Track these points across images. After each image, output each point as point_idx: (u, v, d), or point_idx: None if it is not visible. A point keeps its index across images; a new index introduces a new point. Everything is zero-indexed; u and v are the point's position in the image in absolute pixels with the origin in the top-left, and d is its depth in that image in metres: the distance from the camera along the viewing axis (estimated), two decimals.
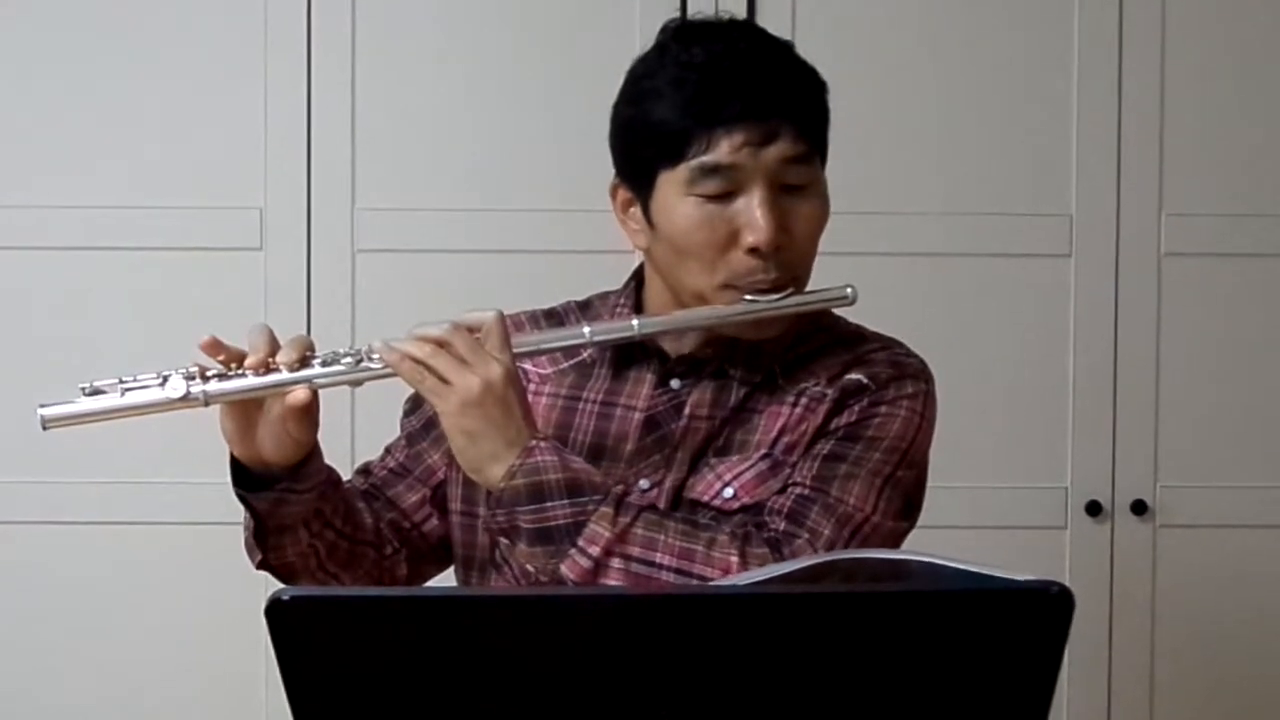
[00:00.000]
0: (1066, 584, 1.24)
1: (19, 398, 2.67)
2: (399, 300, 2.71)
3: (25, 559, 2.76)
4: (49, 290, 2.75)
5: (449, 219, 2.75)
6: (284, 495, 1.65)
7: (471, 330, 1.60)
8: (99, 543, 2.74)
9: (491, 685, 1.23)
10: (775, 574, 1.42)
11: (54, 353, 2.72)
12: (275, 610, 1.20)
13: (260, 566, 1.72)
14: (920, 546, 1.49)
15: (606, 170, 1.75)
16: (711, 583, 1.54)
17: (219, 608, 2.71)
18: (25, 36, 2.75)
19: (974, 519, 2.71)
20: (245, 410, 1.62)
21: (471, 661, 1.22)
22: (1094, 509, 2.76)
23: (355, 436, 2.57)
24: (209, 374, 1.60)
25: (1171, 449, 2.77)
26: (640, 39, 1.74)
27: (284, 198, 2.75)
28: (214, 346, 1.61)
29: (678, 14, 1.78)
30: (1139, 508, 2.76)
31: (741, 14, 2.66)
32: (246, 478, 1.65)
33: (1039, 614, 1.23)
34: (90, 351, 2.72)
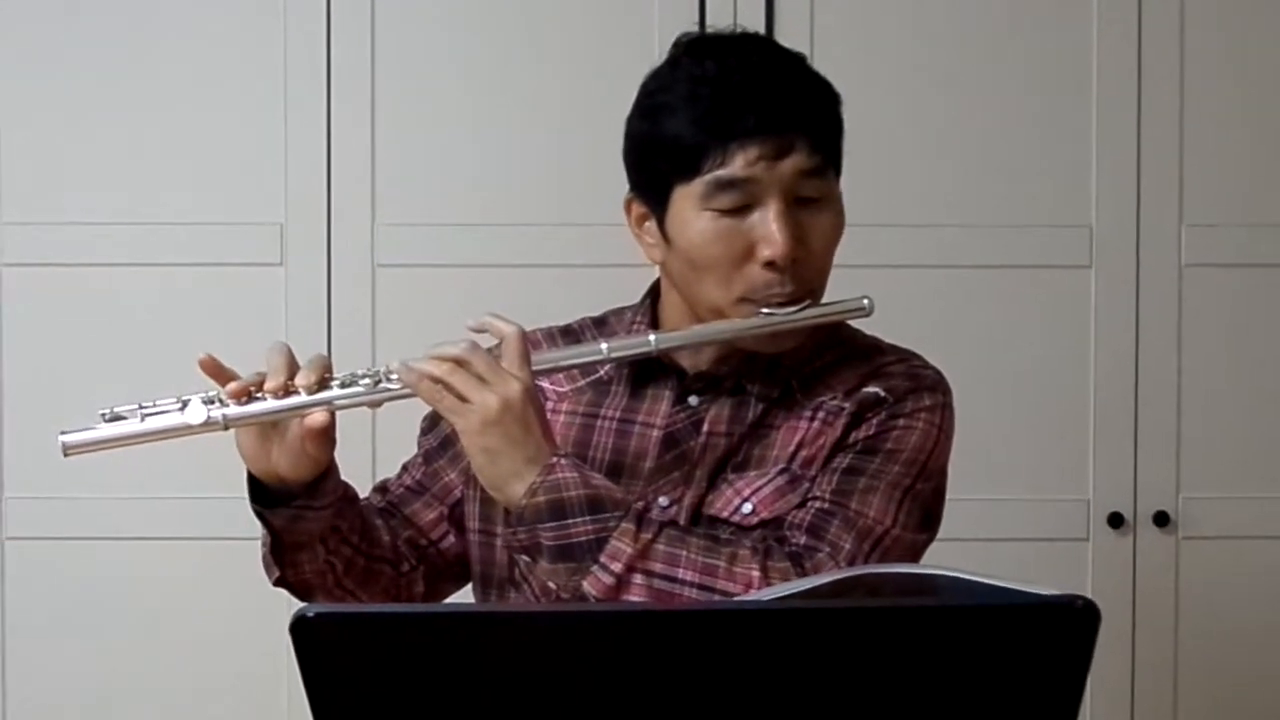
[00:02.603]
0: (1090, 596, 1.24)
1: (40, 413, 2.69)
2: (419, 315, 2.71)
3: (46, 575, 2.76)
4: (69, 305, 2.76)
5: (469, 234, 2.75)
6: (300, 512, 1.65)
7: (484, 332, 1.60)
8: (119, 559, 2.74)
9: (517, 702, 1.22)
10: (799, 589, 1.41)
11: (74, 368, 2.73)
12: (300, 628, 1.20)
13: (277, 583, 1.72)
14: (942, 559, 1.49)
15: (627, 185, 1.74)
16: (735, 598, 1.54)
17: (239, 624, 2.71)
18: (44, 51, 2.76)
19: (996, 531, 2.71)
20: (263, 431, 1.62)
21: (497, 678, 1.22)
22: (1116, 521, 2.75)
23: (376, 455, 2.58)
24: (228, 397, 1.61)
25: (1193, 460, 2.76)
26: (659, 53, 1.73)
27: (304, 213, 2.75)
28: (212, 365, 1.61)
29: (696, 28, 1.78)
30: (1161, 519, 2.75)
31: (760, 27, 2.66)
32: (263, 494, 1.66)
33: (1064, 628, 1.23)
34: (111, 367, 2.72)
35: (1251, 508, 2.78)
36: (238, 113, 2.75)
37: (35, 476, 2.72)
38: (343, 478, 1.70)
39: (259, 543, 1.71)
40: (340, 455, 1.66)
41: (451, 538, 1.79)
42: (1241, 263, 2.77)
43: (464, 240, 2.75)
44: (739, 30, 1.74)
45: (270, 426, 1.62)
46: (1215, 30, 2.76)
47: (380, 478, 1.86)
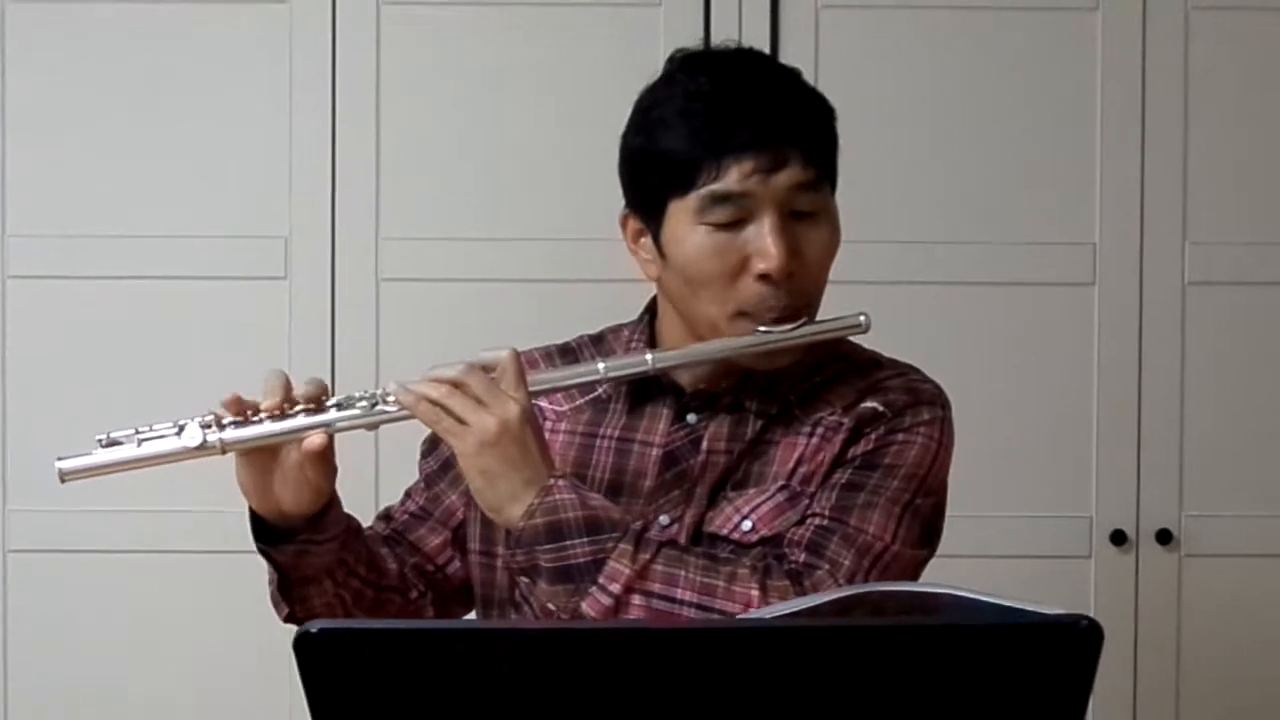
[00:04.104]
0: (1092, 615, 1.24)
1: (43, 426, 2.69)
2: (422, 329, 2.72)
3: (48, 588, 2.76)
4: (73, 318, 2.76)
5: (472, 248, 2.76)
6: (305, 547, 1.65)
7: (487, 369, 1.59)
8: (121, 572, 2.75)
9: (517, 718, 1.22)
10: (802, 607, 1.41)
11: (78, 380, 2.74)
12: (304, 643, 1.20)
13: (288, 620, 1.71)
14: (943, 576, 1.49)
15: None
16: (738, 617, 1.54)
17: (241, 637, 2.71)
18: (50, 65, 2.76)
19: (998, 548, 2.71)
20: (262, 461, 1.62)
21: (499, 695, 1.22)
22: (1119, 538, 2.75)
23: (379, 483, 2.58)
24: (225, 421, 1.60)
25: (1196, 478, 2.76)
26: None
27: (308, 227, 2.75)
28: (236, 404, 1.61)
29: (701, 45, 1.78)
30: (1164, 537, 2.75)
31: (765, 44, 2.66)
32: (267, 532, 1.65)
33: (1068, 649, 1.23)
34: (115, 379, 2.73)
35: (1254, 526, 2.77)
36: (242, 126, 2.76)
37: (37, 489, 2.72)
38: (345, 509, 1.69)
39: (260, 556, 1.70)
40: (343, 483, 1.66)
41: (457, 562, 1.79)
42: (1244, 281, 2.77)
43: (467, 255, 2.75)
44: (734, 45, 1.74)
45: (270, 457, 1.61)
46: (1219, 48, 2.76)
47: (383, 505, 1.86)
